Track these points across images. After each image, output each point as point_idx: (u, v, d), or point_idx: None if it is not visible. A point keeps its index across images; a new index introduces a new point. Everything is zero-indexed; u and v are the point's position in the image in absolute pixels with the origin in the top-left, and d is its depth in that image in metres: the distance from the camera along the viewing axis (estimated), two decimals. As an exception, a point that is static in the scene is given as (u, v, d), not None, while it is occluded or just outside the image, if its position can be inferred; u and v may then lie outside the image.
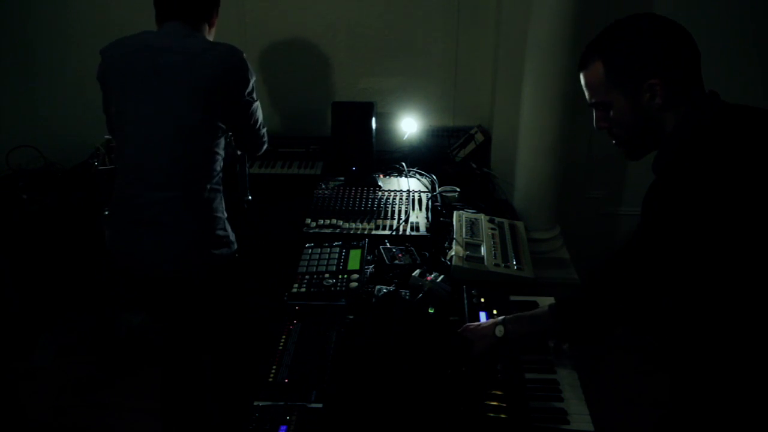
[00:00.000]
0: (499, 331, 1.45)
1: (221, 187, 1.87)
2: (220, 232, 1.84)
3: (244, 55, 1.79)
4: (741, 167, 1.11)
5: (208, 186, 1.80)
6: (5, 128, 2.96)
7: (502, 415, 1.31)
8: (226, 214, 1.88)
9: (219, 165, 1.84)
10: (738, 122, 1.18)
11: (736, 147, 1.14)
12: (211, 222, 1.82)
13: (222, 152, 1.84)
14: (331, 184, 2.45)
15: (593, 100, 1.29)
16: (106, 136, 2.63)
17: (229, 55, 1.77)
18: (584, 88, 1.31)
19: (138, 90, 1.73)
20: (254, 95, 1.87)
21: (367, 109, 2.48)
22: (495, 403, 1.34)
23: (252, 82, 1.83)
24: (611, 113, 1.26)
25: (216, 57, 1.74)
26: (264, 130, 2.01)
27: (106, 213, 2.53)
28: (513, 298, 1.75)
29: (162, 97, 1.72)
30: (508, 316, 1.48)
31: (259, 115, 1.94)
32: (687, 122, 1.19)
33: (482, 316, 1.65)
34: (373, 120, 2.50)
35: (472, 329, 1.52)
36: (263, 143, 2.05)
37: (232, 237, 1.89)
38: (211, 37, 1.88)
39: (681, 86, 1.20)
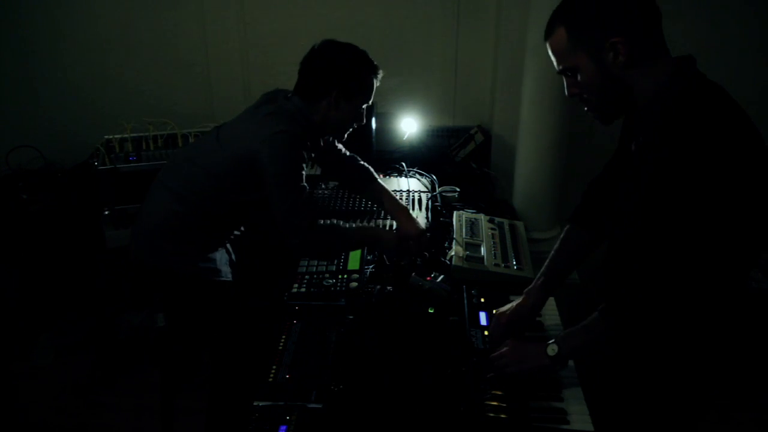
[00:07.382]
0: (552, 350, 1.34)
1: (213, 226, 1.82)
2: (188, 261, 1.80)
3: (284, 139, 1.64)
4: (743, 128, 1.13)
5: (202, 219, 1.79)
6: (5, 128, 2.96)
7: (502, 415, 1.31)
8: (207, 251, 1.83)
9: (224, 209, 1.79)
10: (716, 86, 1.19)
11: (734, 107, 1.16)
12: (188, 246, 1.80)
13: (229, 208, 1.81)
14: (331, 184, 2.45)
15: (560, 67, 1.29)
16: (106, 137, 2.63)
17: (265, 142, 1.65)
18: (552, 57, 1.31)
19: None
20: (279, 180, 1.66)
21: (367, 109, 2.48)
22: (495, 403, 1.34)
23: (276, 170, 1.66)
24: (579, 77, 1.26)
25: (253, 135, 1.68)
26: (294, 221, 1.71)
27: (106, 213, 2.54)
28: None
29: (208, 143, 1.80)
30: (558, 335, 1.38)
31: (286, 203, 1.67)
32: (672, 83, 1.19)
33: (482, 316, 1.65)
34: (373, 120, 2.50)
35: (516, 349, 1.41)
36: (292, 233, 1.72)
37: (206, 266, 1.82)
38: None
39: (643, 44, 1.20)
